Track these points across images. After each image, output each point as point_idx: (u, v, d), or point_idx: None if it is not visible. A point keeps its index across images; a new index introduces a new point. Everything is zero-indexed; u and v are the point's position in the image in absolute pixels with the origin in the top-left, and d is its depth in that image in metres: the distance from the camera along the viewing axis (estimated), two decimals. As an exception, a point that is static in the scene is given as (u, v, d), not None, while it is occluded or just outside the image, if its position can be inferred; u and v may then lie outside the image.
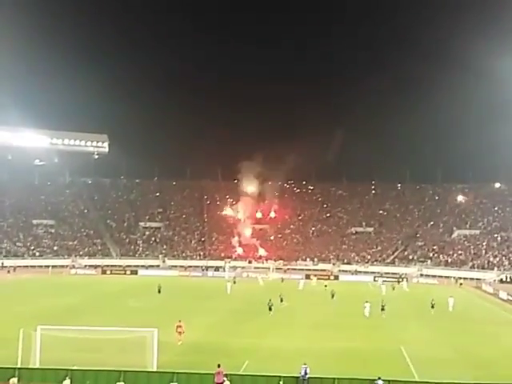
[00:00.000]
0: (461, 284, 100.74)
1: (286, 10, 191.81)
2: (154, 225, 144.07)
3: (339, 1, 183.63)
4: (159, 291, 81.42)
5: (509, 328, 60.93)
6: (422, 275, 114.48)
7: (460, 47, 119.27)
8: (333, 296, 77.62)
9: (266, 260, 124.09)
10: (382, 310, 64.33)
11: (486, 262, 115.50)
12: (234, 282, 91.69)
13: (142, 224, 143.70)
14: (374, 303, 66.02)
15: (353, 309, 68.27)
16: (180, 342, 47.02)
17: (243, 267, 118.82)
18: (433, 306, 69.88)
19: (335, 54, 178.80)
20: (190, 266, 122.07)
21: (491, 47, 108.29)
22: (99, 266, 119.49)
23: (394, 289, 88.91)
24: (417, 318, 64.99)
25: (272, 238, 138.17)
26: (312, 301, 78.29)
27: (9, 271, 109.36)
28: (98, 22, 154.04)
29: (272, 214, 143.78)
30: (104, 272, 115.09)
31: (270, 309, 64.78)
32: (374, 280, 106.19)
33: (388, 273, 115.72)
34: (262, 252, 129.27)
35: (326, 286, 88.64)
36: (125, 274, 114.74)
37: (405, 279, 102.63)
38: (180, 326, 48.02)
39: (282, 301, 70.30)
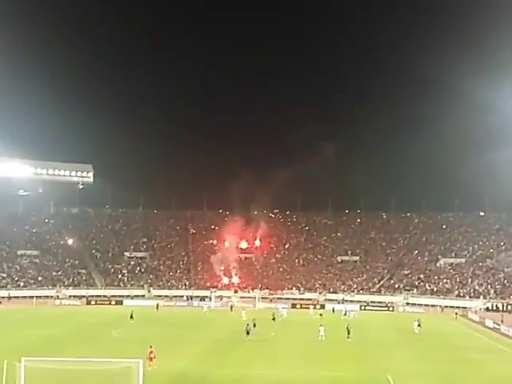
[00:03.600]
0: (456, 314, 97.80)
1: (274, 37, 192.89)
2: (138, 255, 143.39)
3: (331, 29, 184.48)
4: (131, 317, 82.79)
5: (495, 356, 60.93)
6: (408, 304, 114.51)
7: (445, 78, 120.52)
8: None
9: (252, 289, 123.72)
10: (348, 333, 68.58)
11: (471, 290, 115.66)
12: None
13: (126, 254, 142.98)
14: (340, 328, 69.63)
15: (335, 337, 68.37)
16: (150, 368, 46.71)
17: (228, 297, 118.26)
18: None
19: (320, 84, 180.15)
20: (176, 296, 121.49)
21: (477, 78, 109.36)
22: (84, 296, 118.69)
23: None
24: (403, 347, 64.88)
25: (258, 267, 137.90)
26: (295, 330, 78.21)
27: (0, 302, 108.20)
28: (84, 52, 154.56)
29: (257, 243, 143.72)
30: (89, 302, 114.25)
31: (248, 333, 67.37)
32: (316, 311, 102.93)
33: (374, 302, 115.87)
34: (237, 280, 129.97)
35: (320, 314, 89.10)
36: (110, 304, 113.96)
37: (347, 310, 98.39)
38: (151, 352, 48.39)
39: (254, 326, 71.29)
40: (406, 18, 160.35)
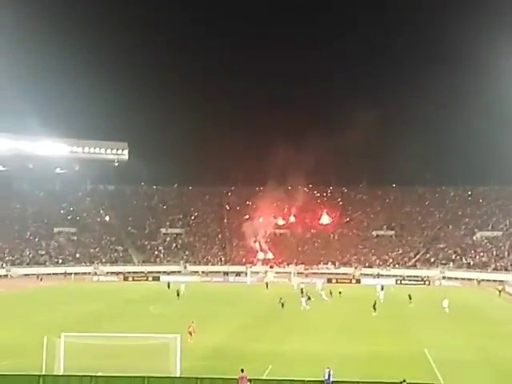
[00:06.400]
0: (500, 291, 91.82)
1: (312, 8, 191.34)
2: (174, 231, 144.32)
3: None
4: (178, 294, 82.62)
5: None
6: (444, 278, 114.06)
7: (471, 50, 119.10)
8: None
9: (288, 264, 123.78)
10: (374, 308, 69.03)
11: (508, 263, 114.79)
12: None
13: (162, 230, 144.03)
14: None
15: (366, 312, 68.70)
16: (190, 341, 47.54)
17: (265, 271, 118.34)
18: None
19: (350, 58, 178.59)
20: (212, 272, 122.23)
21: (501, 49, 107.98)
22: (121, 272, 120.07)
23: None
24: (440, 321, 64.76)
25: (293, 242, 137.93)
26: (330, 304, 78.41)
27: (41, 279, 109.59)
28: (119, 32, 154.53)
29: (292, 219, 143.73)
30: (126, 279, 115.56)
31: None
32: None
33: (410, 276, 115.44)
34: (272, 256, 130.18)
35: (340, 292, 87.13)
36: (147, 280, 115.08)
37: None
38: (190, 326, 49.46)
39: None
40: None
